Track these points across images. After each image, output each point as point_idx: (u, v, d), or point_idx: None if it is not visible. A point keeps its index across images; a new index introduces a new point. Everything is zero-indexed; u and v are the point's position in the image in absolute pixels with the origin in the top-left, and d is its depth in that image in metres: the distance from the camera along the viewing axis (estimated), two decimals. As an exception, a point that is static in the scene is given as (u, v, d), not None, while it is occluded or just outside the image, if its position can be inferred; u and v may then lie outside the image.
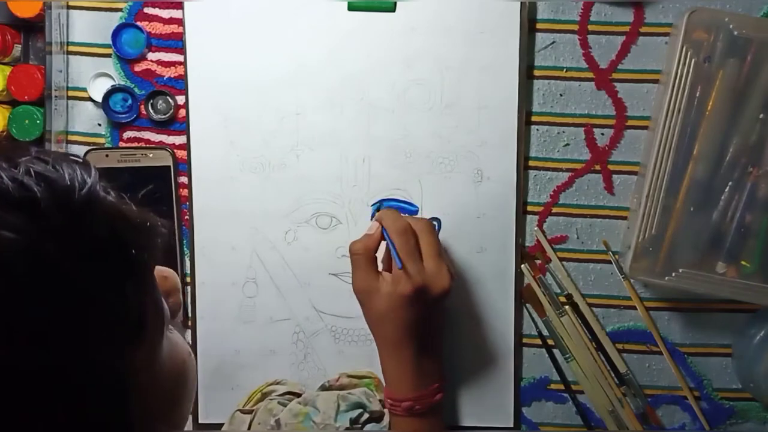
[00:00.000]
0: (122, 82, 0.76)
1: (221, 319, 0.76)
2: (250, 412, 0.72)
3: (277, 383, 0.75)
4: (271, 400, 0.73)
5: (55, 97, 0.74)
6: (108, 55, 0.76)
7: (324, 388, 0.74)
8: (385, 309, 0.66)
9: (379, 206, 0.74)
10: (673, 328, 0.76)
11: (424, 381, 0.67)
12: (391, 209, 0.71)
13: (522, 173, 0.75)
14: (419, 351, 0.67)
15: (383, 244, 0.69)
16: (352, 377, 0.74)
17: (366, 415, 0.71)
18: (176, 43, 0.75)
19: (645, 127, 0.75)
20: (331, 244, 0.75)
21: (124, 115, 0.75)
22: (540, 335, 0.77)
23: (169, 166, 0.75)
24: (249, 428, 0.71)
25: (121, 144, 0.76)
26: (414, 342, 0.67)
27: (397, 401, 0.67)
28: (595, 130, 0.76)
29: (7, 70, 0.72)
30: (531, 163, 0.76)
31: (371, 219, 0.74)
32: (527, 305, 0.77)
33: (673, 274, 0.70)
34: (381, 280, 0.66)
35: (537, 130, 0.76)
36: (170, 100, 0.75)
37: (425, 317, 0.67)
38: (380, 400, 0.72)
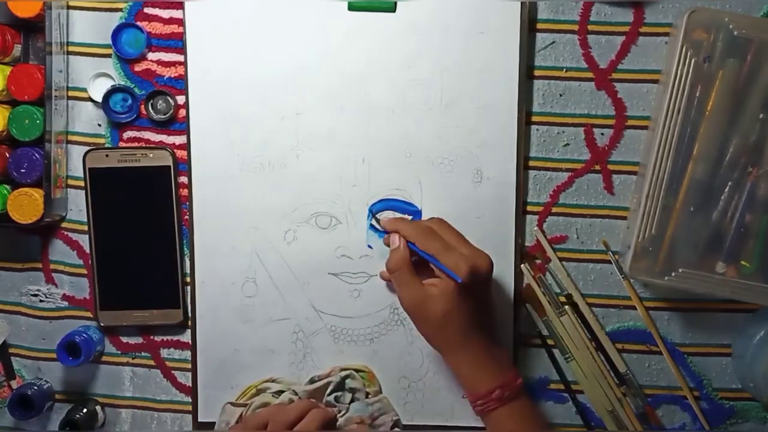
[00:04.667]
0: (122, 82, 0.76)
1: (221, 318, 0.76)
2: (242, 405, 0.73)
3: (273, 381, 0.75)
4: (265, 394, 0.73)
5: (55, 97, 0.74)
6: (108, 55, 0.76)
7: (313, 381, 0.74)
8: (444, 310, 0.66)
9: (373, 212, 0.75)
10: (672, 328, 0.76)
11: (501, 368, 0.68)
12: (396, 218, 0.73)
13: (522, 173, 0.75)
14: (487, 340, 0.68)
15: None
16: (345, 369, 0.74)
17: (348, 395, 0.72)
18: (176, 43, 0.75)
19: (645, 127, 0.75)
20: (331, 243, 0.75)
21: (124, 115, 0.76)
22: (540, 335, 0.77)
23: (169, 166, 0.75)
24: (240, 418, 0.72)
25: (121, 144, 0.76)
26: (479, 332, 0.67)
27: (487, 396, 0.67)
28: (594, 130, 0.76)
29: (7, 70, 0.72)
30: (531, 163, 0.76)
31: (368, 222, 0.75)
32: (527, 305, 0.77)
33: (673, 274, 0.70)
34: (429, 286, 0.67)
35: (537, 130, 0.76)
36: (170, 100, 0.75)
37: (480, 303, 0.68)
38: (367, 392, 0.73)
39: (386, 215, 0.75)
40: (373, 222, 0.74)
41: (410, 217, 0.74)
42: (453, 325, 0.66)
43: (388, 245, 0.71)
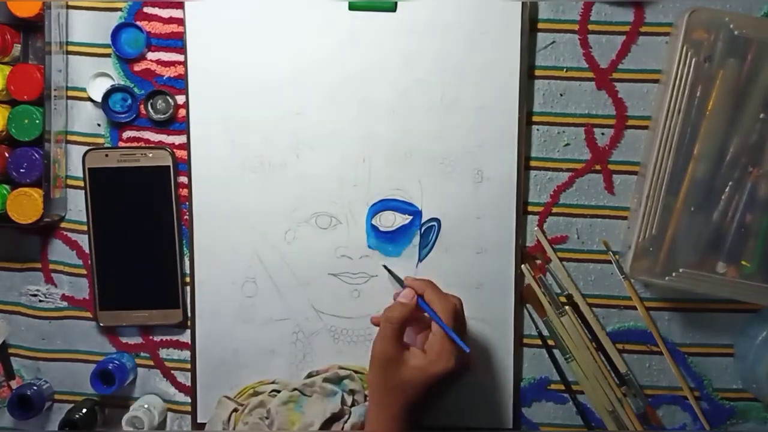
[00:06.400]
0: (122, 82, 0.76)
1: (221, 318, 0.76)
2: (238, 403, 0.73)
3: (270, 383, 0.75)
4: (262, 395, 0.73)
5: (55, 96, 0.74)
6: (107, 55, 0.76)
7: (310, 375, 0.74)
8: (407, 380, 0.65)
9: (386, 267, 0.75)
10: (673, 328, 0.76)
11: None
12: (424, 280, 0.71)
13: (522, 173, 0.75)
14: (417, 416, 0.67)
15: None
16: (344, 368, 0.74)
17: (349, 398, 0.72)
18: (176, 42, 0.75)
19: (645, 127, 0.75)
20: (331, 244, 0.75)
21: (123, 115, 0.75)
22: (540, 335, 0.77)
23: (169, 166, 0.75)
24: (234, 411, 0.72)
25: (121, 144, 0.76)
26: (417, 410, 0.66)
27: None
28: (595, 130, 0.76)
29: (7, 69, 0.72)
30: (531, 163, 0.76)
31: (368, 222, 0.75)
32: (527, 305, 0.77)
33: (674, 274, 0.70)
34: (408, 354, 0.66)
35: (537, 130, 0.76)
36: (170, 99, 0.75)
37: (441, 390, 0.68)
38: (365, 394, 0.72)
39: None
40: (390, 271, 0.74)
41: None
42: (403, 396, 0.65)
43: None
